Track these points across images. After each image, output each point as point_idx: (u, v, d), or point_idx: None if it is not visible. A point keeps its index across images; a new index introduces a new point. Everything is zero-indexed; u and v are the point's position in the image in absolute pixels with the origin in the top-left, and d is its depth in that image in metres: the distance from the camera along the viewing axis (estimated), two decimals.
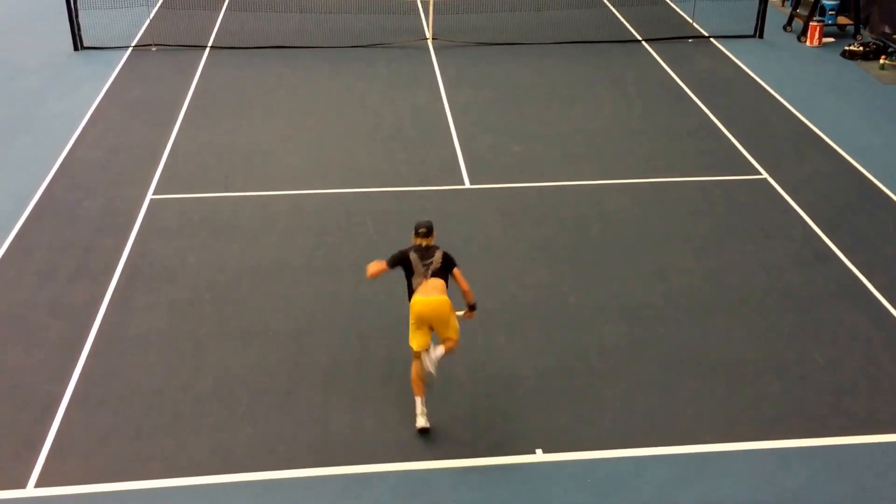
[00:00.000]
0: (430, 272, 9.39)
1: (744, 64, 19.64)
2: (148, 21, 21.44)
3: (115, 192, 14.13)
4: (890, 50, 19.81)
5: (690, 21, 22.04)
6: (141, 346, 10.69)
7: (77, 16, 19.97)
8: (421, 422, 9.39)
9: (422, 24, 21.73)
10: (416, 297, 9.28)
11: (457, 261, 9.53)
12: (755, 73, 19.10)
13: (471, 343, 10.71)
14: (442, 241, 12.76)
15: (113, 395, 9.91)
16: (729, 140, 16.01)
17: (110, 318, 11.17)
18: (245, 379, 10.15)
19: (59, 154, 15.31)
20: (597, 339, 10.87)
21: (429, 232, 9.54)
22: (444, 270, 9.42)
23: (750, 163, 15.20)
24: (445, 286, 9.35)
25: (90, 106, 17.23)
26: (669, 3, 23.52)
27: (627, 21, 22.23)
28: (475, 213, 13.65)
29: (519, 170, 14.91)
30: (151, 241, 12.85)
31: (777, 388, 10.05)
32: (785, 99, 17.78)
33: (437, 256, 9.44)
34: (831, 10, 21.36)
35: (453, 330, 9.36)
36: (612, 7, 23.17)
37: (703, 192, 14.29)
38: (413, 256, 9.47)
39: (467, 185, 14.47)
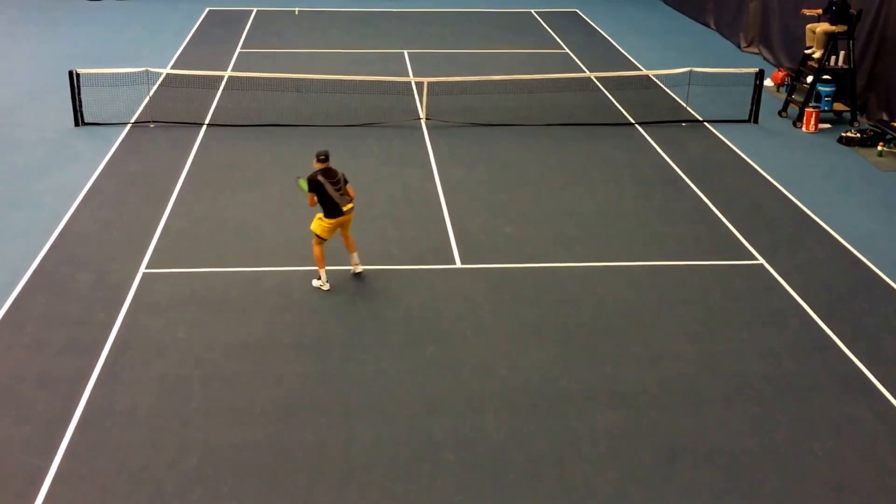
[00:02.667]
0: (339, 189, 13.03)
1: (738, 148, 19.72)
2: (147, 98, 21.56)
3: (108, 266, 14.06)
4: (888, 137, 19.87)
5: (684, 105, 22.19)
6: (127, 421, 10.53)
7: (79, 92, 20.10)
8: (326, 286, 13.43)
9: (415, 104, 21.87)
10: (336, 210, 13.10)
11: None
12: (750, 158, 19.16)
13: (459, 426, 10.57)
14: (431, 320, 12.73)
15: (98, 471, 9.73)
16: (724, 224, 15.98)
17: (98, 392, 11.04)
18: (230, 457, 9.97)
19: (55, 228, 15.26)
20: (588, 425, 10.69)
21: (327, 158, 13.06)
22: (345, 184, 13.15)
23: (745, 248, 15.16)
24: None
25: (87, 181, 17.23)
26: (663, 87, 23.70)
27: (621, 104, 22.38)
28: (466, 293, 13.56)
29: (511, 250, 14.86)
30: (142, 315, 12.74)
31: (776, 481, 9.85)
32: (781, 184, 17.80)
33: (341, 175, 13.15)
34: (827, 96, 21.47)
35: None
36: (605, 90, 23.35)
37: (698, 276, 14.22)
38: (322, 179, 12.97)
39: (458, 264, 14.40)
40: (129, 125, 20.26)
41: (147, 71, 21.14)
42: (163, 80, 22.80)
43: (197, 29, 29.35)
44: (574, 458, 10.14)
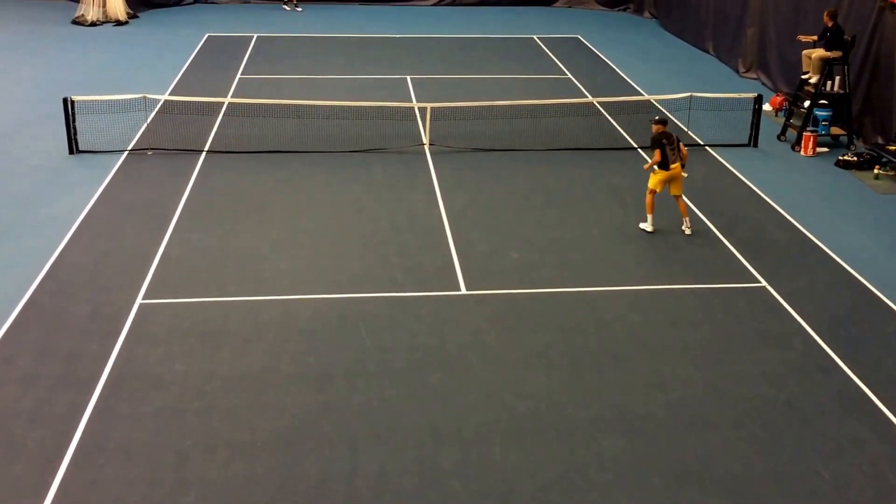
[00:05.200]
0: (673, 149, 16.03)
1: (739, 172, 19.62)
2: (145, 125, 21.45)
3: (103, 297, 13.87)
4: (884, 160, 19.82)
5: (686, 129, 22.10)
6: (123, 457, 10.33)
7: (74, 120, 19.97)
8: (647, 227, 16.49)
9: (419, 129, 21.77)
10: (665, 165, 16.05)
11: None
12: (751, 182, 19.06)
13: (466, 455, 10.40)
14: (436, 347, 12.58)
15: None
16: (727, 247, 15.86)
17: (92, 427, 10.83)
18: (230, 493, 9.78)
19: (48, 258, 15.06)
20: (595, 451, 10.54)
21: (665, 123, 16.14)
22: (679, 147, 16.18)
23: (748, 271, 15.03)
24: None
25: (83, 209, 17.04)
26: (664, 111, 23.59)
27: (623, 129, 22.29)
28: (471, 319, 13.41)
29: (516, 276, 14.72)
30: (138, 347, 12.56)
31: None
32: (782, 207, 17.69)
33: (675, 138, 16.14)
34: (824, 120, 21.42)
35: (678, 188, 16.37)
36: (608, 115, 23.27)
37: (702, 299, 14.09)
38: (664, 141, 15.91)
39: (463, 290, 14.25)
40: (126, 153, 20.09)
41: (145, 97, 21.05)
42: (161, 107, 22.71)
43: (196, 55, 29.27)
44: (582, 485, 9.98)
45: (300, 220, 16.73)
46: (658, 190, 16.22)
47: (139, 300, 13.81)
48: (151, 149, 20.30)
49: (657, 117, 16.22)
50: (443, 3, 38.96)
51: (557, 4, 39.45)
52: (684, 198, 16.66)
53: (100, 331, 12.93)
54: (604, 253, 15.61)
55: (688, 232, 16.34)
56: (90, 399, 11.36)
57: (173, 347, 12.56)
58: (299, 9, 36.48)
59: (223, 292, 14.07)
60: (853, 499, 9.86)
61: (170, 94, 24.30)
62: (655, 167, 16.09)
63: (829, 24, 21.19)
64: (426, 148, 20.65)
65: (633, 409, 11.35)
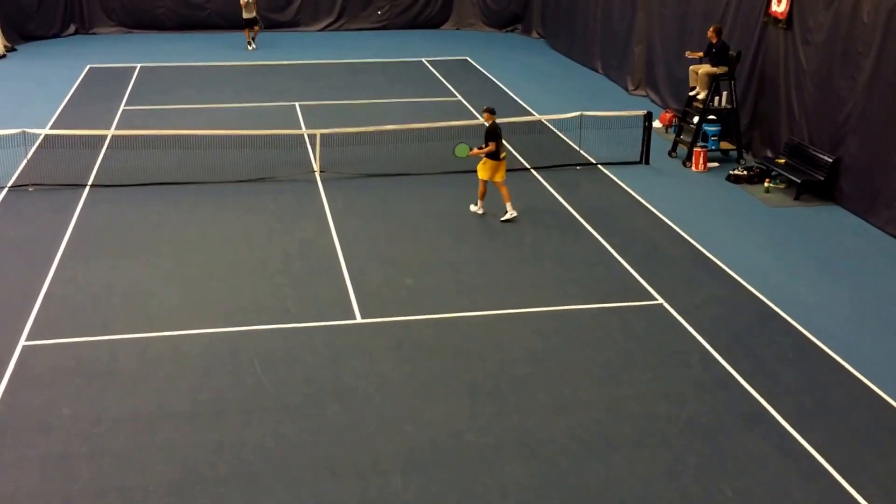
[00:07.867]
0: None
1: (632, 190, 19.79)
2: (25, 161, 20.72)
3: None
4: (773, 173, 20.20)
5: (577, 148, 22.25)
6: None
7: None
8: (476, 210, 17.99)
9: (309, 157, 21.49)
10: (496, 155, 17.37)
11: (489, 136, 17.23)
12: (644, 199, 19.23)
13: (365, 488, 10.16)
14: (332, 379, 12.31)
15: None
16: (623, 266, 15.93)
17: None
18: None
19: None
20: (497, 478, 10.39)
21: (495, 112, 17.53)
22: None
23: (645, 289, 15.10)
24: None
25: None
26: (556, 131, 23.76)
27: (515, 149, 22.31)
28: (367, 348, 13.19)
29: (411, 302, 14.55)
30: (22, 391, 12.02)
31: None
32: (675, 224, 17.86)
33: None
34: (713, 135, 21.79)
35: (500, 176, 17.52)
36: None
37: (600, 320, 14.09)
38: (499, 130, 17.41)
39: (359, 319, 14.02)
40: (5, 189, 19.39)
41: (24, 132, 20.34)
42: (41, 142, 22.00)
43: (77, 87, 28.49)
44: None
45: (189, 253, 16.30)
46: (487, 178, 17.57)
47: (22, 342, 13.25)
48: (32, 184, 19.62)
49: (487, 106, 17.66)
50: (329, 27, 38.72)
51: (445, 27, 39.55)
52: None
53: None
54: (500, 276, 15.54)
55: (513, 214, 17.65)
56: None
57: (59, 390, 12.06)
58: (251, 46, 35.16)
59: (110, 330, 13.59)
60: None
61: (51, 128, 23.57)
62: (486, 157, 17.34)
63: (715, 40, 21.61)
64: (317, 175, 20.39)
65: (534, 433, 11.24)
